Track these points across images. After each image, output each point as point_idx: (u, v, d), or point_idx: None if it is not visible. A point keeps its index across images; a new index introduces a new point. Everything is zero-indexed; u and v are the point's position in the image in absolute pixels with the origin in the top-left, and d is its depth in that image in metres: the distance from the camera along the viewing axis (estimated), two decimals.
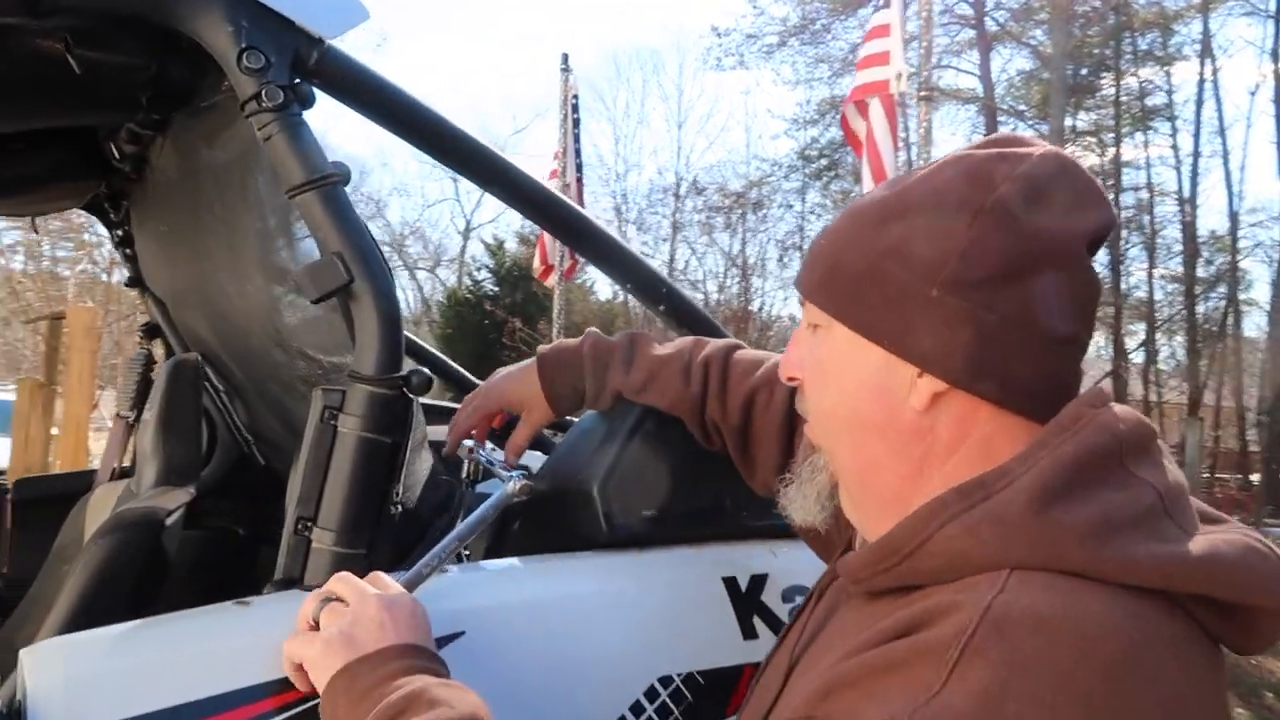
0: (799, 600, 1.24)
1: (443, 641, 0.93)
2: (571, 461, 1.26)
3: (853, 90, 3.63)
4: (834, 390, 0.76)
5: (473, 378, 2.43)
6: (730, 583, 1.20)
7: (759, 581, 1.21)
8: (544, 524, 1.26)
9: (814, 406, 0.80)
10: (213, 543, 2.05)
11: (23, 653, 0.85)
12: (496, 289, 18.20)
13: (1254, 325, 17.78)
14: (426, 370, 1.03)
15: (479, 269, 20.36)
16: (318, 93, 1.10)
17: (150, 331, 2.16)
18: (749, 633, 1.17)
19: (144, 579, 1.42)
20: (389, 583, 0.90)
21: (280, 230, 1.17)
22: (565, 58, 7.61)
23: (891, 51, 3.33)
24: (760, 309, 14.87)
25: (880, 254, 0.71)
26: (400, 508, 1.06)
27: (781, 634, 0.91)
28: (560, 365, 1.25)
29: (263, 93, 1.01)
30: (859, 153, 3.51)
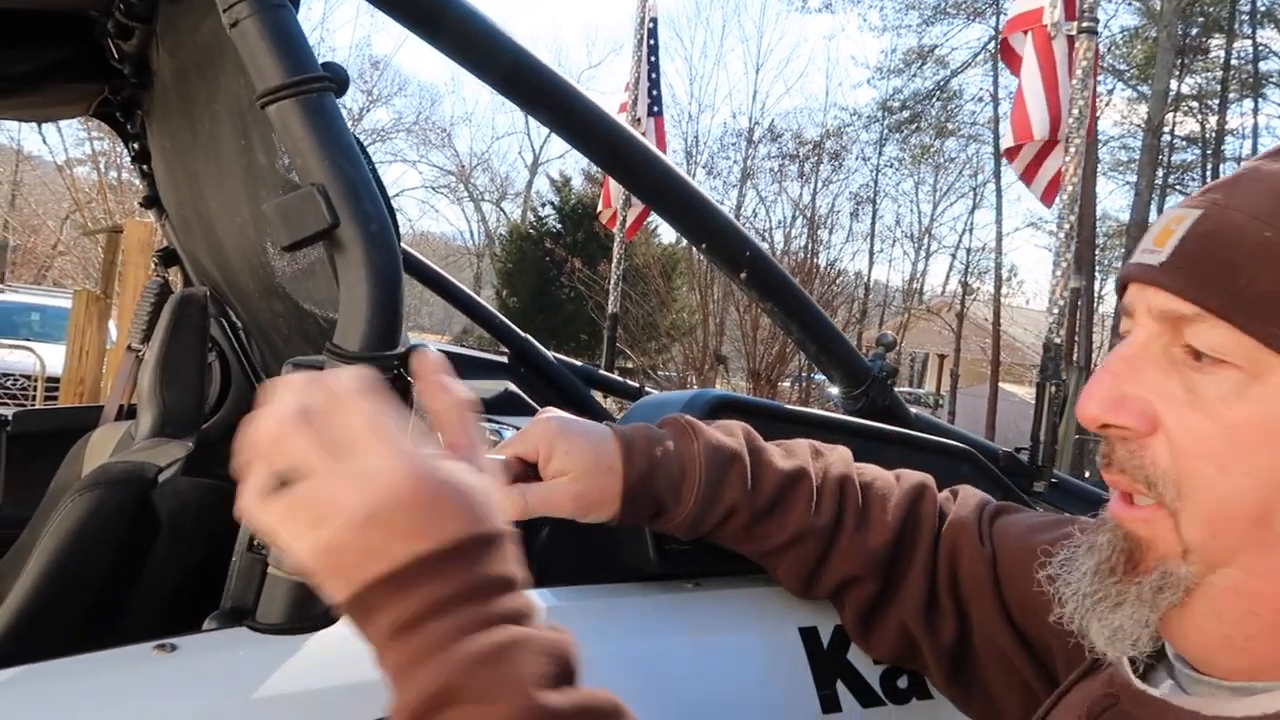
0: None
1: None
2: None
3: (1007, 22, 3.16)
4: (1260, 472, 0.50)
5: (536, 344, 2.14)
6: (809, 635, 0.94)
7: (845, 635, 0.95)
8: (576, 538, 1.01)
9: (1203, 493, 0.52)
10: (221, 493, 1.89)
11: None
12: (560, 226, 17.98)
13: None
14: (431, 346, 0.77)
15: (544, 205, 20.12)
16: None
17: (166, 258, 1.98)
18: (830, 705, 0.91)
19: (129, 540, 1.25)
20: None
21: (266, 151, 0.92)
22: None
23: None
24: (828, 263, 14.34)
25: None
26: None
27: None
28: (653, 464, 0.82)
29: None
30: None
